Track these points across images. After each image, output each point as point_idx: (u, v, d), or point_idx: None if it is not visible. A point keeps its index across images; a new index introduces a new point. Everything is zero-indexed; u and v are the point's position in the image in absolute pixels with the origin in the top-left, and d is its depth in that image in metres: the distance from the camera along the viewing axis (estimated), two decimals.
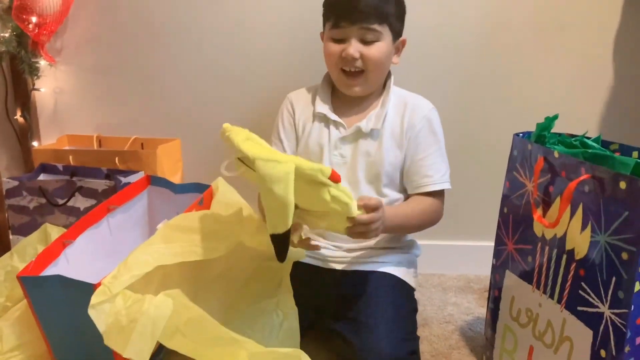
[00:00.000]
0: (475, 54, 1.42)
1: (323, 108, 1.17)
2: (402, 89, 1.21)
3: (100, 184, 1.22)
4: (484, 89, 1.44)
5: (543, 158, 0.91)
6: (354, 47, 1.09)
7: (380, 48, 1.11)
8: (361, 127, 1.14)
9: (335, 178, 0.84)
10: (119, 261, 0.94)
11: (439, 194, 1.15)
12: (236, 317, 1.00)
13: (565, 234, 0.86)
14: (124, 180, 1.24)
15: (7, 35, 1.39)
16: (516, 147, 1.01)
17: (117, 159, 1.32)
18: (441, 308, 1.36)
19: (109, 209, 1.12)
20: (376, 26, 1.09)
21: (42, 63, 1.46)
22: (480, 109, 1.45)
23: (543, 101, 1.43)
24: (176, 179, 1.39)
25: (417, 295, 1.20)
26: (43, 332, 0.95)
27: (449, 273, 1.54)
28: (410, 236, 1.24)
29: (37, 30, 1.40)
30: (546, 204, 0.91)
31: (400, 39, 1.17)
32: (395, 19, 1.13)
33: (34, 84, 1.48)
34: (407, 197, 1.18)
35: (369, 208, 0.92)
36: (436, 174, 1.14)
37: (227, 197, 1.15)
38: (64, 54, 1.50)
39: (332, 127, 1.17)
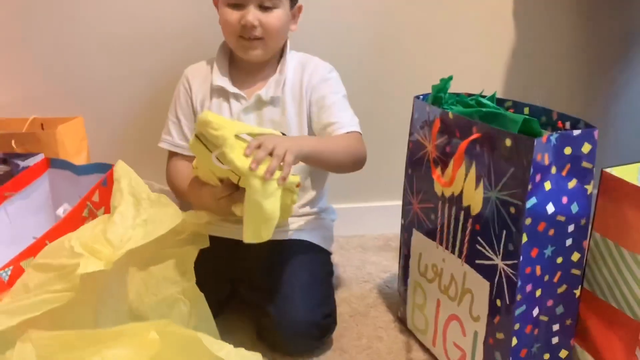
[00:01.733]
0: (376, 16, 1.42)
1: (221, 81, 1.14)
2: (299, 52, 1.20)
3: None
4: (385, 51, 1.45)
5: (439, 119, 0.93)
6: (253, 15, 1.07)
7: (279, 15, 1.09)
8: (261, 95, 1.13)
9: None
10: (20, 248, 0.90)
11: (350, 134, 1.11)
12: (144, 314, 0.96)
13: (461, 192, 0.89)
14: (21, 164, 1.17)
15: None
16: (416, 110, 1.03)
17: (13, 141, 1.24)
18: (360, 268, 1.39)
19: (5, 195, 1.06)
20: None
21: None
22: (382, 72, 1.46)
23: (443, 62, 1.45)
24: (81, 159, 1.33)
25: (338, 258, 1.22)
26: None
27: (369, 233, 1.57)
28: (325, 202, 1.25)
29: None
30: (444, 164, 0.94)
31: (297, 5, 1.15)
32: None
33: None
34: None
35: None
36: (342, 119, 1.11)
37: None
38: None
39: (232, 100, 1.15)
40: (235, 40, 1.11)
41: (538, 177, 0.77)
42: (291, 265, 1.08)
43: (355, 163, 1.11)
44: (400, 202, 1.38)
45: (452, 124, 0.90)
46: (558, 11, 1.46)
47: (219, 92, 1.15)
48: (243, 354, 0.82)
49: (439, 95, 0.99)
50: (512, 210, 0.79)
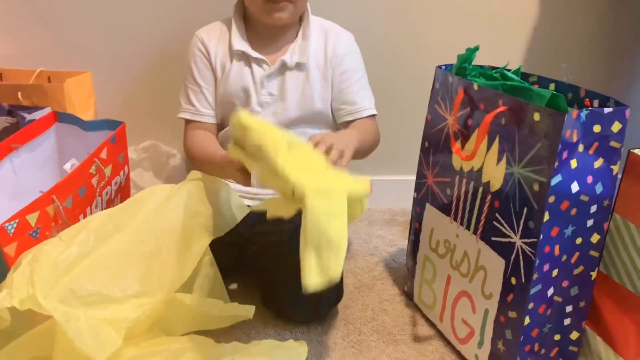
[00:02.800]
0: None
1: (242, 45, 1.10)
2: (318, 17, 1.16)
3: (1, 121, 1.12)
4: (407, 18, 1.41)
5: (463, 90, 0.90)
6: None
7: None
8: (286, 60, 1.10)
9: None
10: (24, 202, 0.87)
11: (371, 120, 1.14)
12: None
13: (482, 167, 0.87)
14: (28, 117, 1.14)
15: None
16: (438, 80, 1.00)
17: (19, 93, 1.21)
18: (366, 241, 1.38)
19: (11, 147, 1.03)
20: None
21: None
22: (403, 40, 1.42)
23: (467, 32, 1.41)
24: (88, 116, 1.30)
25: None
26: None
27: (376, 207, 1.55)
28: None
29: None
30: (465, 137, 0.91)
31: None
32: None
33: None
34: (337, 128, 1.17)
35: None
36: (363, 100, 1.13)
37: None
38: None
39: (254, 65, 1.11)
40: (263, 3, 1.04)
41: (565, 155, 0.74)
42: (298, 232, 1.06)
43: (375, 146, 1.15)
44: (407, 177, 1.37)
45: (477, 96, 0.87)
46: None
47: (240, 56, 1.11)
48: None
49: (463, 65, 0.95)
50: (536, 187, 0.76)
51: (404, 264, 1.23)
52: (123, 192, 1.13)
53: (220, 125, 1.17)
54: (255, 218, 1.11)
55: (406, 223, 1.47)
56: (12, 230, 0.83)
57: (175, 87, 1.19)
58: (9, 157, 1.03)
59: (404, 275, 1.17)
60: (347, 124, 1.13)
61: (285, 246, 1.04)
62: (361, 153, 1.06)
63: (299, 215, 1.06)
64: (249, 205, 1.12)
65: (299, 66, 1.11)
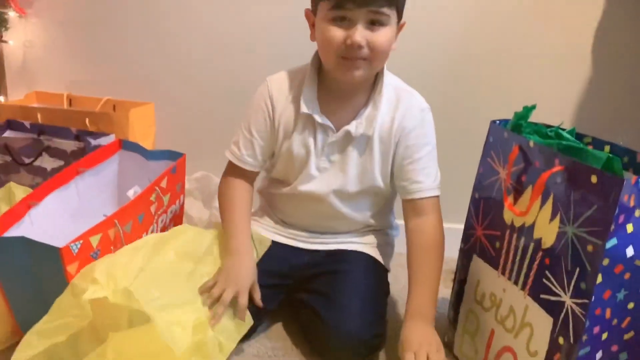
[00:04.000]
0: (456, 40, 1.42)
1: (309, 108, 1.05)
2: (396, 78, 1.12)
3: (69, 145, 1.18)
4: (462, 73, 1.44)
5: (518, 146, 0.92)
6: (361, 34, 0.95)
7: (387, 34, 0.98)
8: (350, 131, 1.05)
9: None
10: (85, 224, 0.92)
11: (431, 205, 1.08)
12: None
13: (534, 223, 0.87)
14: (93, 142, 1.21)
15: None
16: (492, 134, 1.02)
17: (87, 119, 1.29)
18: (406, 287, 1.36)
19: (78, 171, 1.09)
20: (385, 9, 0.96)
21: (12, 14, 1.40)
22: (459, 93, 1.46)
23: (520, 90, 1.44)
24: (148, 144, 1.37)
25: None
26: (4, 294, 0.93)
27: None
28: (390, 217, 1.24)
29: None
30: (517, 192, 0.92)
31: (402, 21, 1.04)
32: (401, 2, 1.01)
33: (1, 36, 1.43)
34: (391, 198, 1.18)
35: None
36: (426, 179, 1.08)
37: None
38: (35, 5, 1.44)
39: (318, 130, 1.07)
40: (336, 59, 0.99)
41: (621, 219, 0.74)
42: (351, 276, 1.07)
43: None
44: (450, 225, 1.37)
45: (532, 153, 0.89)
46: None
47: (306, 121, 1.08)
48: None
49: (519, 122, 0.97)
50: (590, 248, 0.76)
51: (445, 313, 1.22)
52: (176, 220, 1.17)
53: (277, 172, 1.16)
54: (306, 259, 1.14)
55: (447, 272, 1.46)
56: (76, 250, 0.87)
57: (230, 123, 1.22)
58: (75, 179, 1.08)
59: (445, 325, 1.17)
60: (407, 204, 1.10)
61: (334, 287, 1.06)
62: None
63: (343, 260, 1.09)
64: (297, 247, 1.15)
65: (363, 137, 1.06)
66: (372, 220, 1.17)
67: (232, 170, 1.13)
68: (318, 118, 1.06)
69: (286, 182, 1.13)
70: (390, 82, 1.09)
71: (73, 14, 1.44)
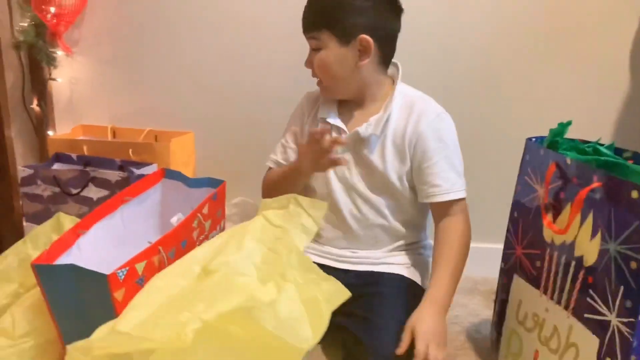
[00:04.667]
0: (489, 55, 1.42)
1: (326, 112, 1.16)
2: (412, 89, 1.17)
3: (114, 175, 1.23)
4: (497, 91, 1.44)
5: (555, 164, 0.91)
6: (308, 57, 1.11)
7: (323, 55, 1.08)
8: (359, 131, 1.10)
9: None
10: (129, 251, 0.95)
11: (457, 206, 1.09)
12: None
13: (574, 241, 0.86)
14: (136, 172, 1.25)
15: (25, 25, 1.41)
16: (529, 152, 1.02)
17: (130, 150, 1.34)
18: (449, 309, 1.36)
19: (123, 200, 1.13)
20: (314, 33, 1.08)
21: (59, 53, 1.48)
22: (494, 111, 1.45)
23: (556, 105, 1.43)
24: (188, 172, 1.41)
25: None
26: (54, 319, 0.96)
27: None
28: (425, 237, 1.24)
29: (55, 21, 1.42)
30: (556, 210, 0.91)
31: (359, 38, 1.05)
32: (335, 22, 1.05)
33: (50, 74, 1.50)
34: (418, 207, 1.18)
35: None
36: (445, 182, 1.08)
37: None
38: (81, 44, 1.51)
39: (333, 133, 1.13)
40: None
41: None
42: (389, 298, 1.07)
43: (469, 247, 1.11)
44: (489, 245, 1.35)
45: (569, 170, 0.88)
46: None
47: (323, 122, 1.17)
48: None
49: (555, 139, 0.96)
50: (634, 265, 0.75)
51: (487, 335, 1.21)
52: None
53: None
54: (342, 278, 1.14)
55: (488, 293, 1.45)
56: (123, 277, 0.90)
57: (266, 149, 1.27)
58: (120, 208, 1.12)
59: (488, 347, 1.15)
60: (432, 206, 1.12)
61: (372, 310, 1.06)
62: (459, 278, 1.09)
63: (378, 283, 1.09)
64: (335, 268, 1.16)
65: (375, 140, 1.11)
66: (400, 231, 1.16)
67: (268, 172, 1.25)
68: (331, 120, 1.14)
69: (310, 189, 1.19)
70: (403, 90, 1.14)
71: (114, 52, 1.50)
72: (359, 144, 1.12)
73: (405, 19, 1.14)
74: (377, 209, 1.15)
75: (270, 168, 1.24)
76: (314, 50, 1.10)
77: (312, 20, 1.08)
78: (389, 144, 1.11)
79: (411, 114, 1.10)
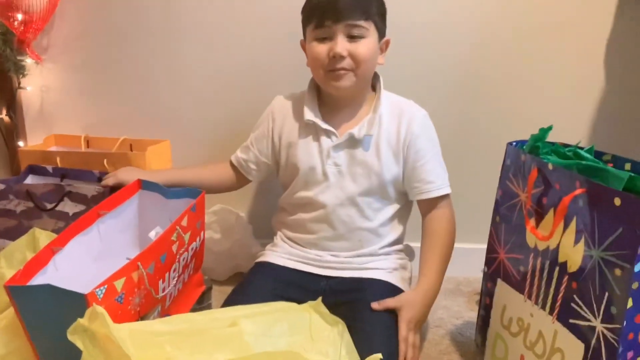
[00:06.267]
0: (468, 60, 1.42)
1: (312, 116, 1.15)
2: (393, 93, 1.20)
3: (90, 190, 1.19)
4: (476, 94, 1.44)
5: (537, 169, 0.91)
6: (341, 45, 1.06)
7: (367, 44, 1.08)
8: (354, 133, 1.12)
9: None
10: (107, 266, 0.93)
11: (444, 201, 1.17)
12: None
13: (558, 246, 0.86)
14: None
15: None
16: (509, 156, 1.02)
17: (105, 160, 1.30)
18: (431, 312, 1.36)
19: (99, 214, 1.10)
20: (362, 22, 1.07)
21: (28, 61, 1.43)
22: (474, 115, 1.45)
23: (535, 108, 1.43)
24: None
25: None
26: (31, 340, 0.93)
27: None
28: (405, 241, 1.24)
29: (22, 28, 1.37)
30: (539, 215, 0.91)
31: (385, 39, 1.15)
32: (378, 18, 1.11)
33: (19, 83, 1.46)
34: (402, 205, 1.19)
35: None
36: (437, 179, 1.15)
37: None
38: (50, 51, 1.47)
39: (322, 137, 1.15)
40: (324, 73, 1.10)
41: None
42: (372, 303, 1.07)
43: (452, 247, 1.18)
44: (471, 245, 1.36)
45: (552, 176, 0.88)
46: None
47: (309, 128, 1.16)
48: None
49: (536, 144, 0.97)
50: (618, 272, 0.75)
51: (472, 338, 1.21)
52: (197, 257, 1.18)
53: (283, 188, 1.25)
54: (322, 285, 1.14)
55: (471, 294, 1.45)
56: (102, 295, 0.88)
57: None
58: (96, 222, 1.09)
59: (473, 350, 1.15)
60: (422, 203, 1.17)
61: (357, 317, 1.05)
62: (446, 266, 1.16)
63: (362, 289, 1.09)
64: (317, 275, 1.15)
65: (367, 140, 1.13)
66: (384, 232, 1.18)
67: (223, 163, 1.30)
68: (321, 124, 1.14)
69: (296, 193, 1.19)
70: (388, 96, 1.18)
71: (86, 58, 1.46)
72: (352, 146, 1.14)
73: (390, 21, 1.15)
74: (365, 212, 1.16)
75: (230, 161, 1.28)
76: (351, 37, 1.07)
77: (364, 9, 1.07)
78: (383, 145, 1.13)
79: (402, 115, 1.15)
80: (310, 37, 1.11)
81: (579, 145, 0.98)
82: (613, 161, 0.95)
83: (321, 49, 1.09)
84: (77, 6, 1.43)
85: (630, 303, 0.74)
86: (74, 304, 0.86)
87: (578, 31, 1.40)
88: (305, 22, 1.13)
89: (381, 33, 1.13)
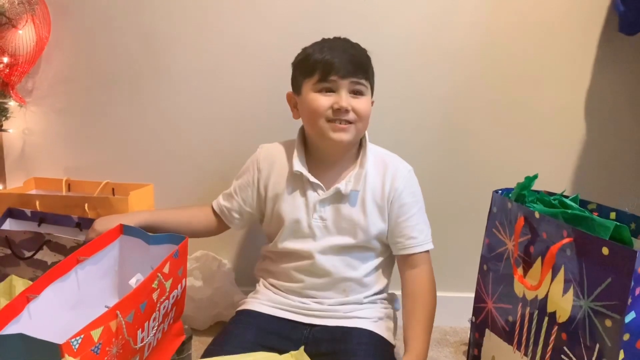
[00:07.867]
0: (452, 110, 1.43)
1: (300, 167, 1.14)
2: (377, 146, 1.20)
3: (69, 241, 1.17)
4: (460, 145, 1.45)
5: (524, 218, 0.91)
6: (346, 100, 1.08)
7: (367, 101, 1.11)
8: (340, 188, 1.12)
9: None
10: (84, 315, 0.89)
11: (425, 257, 1.15)
12: None
13: (546, 296, 0.86)
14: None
15: None
16: (495, 204, 1.02)
17: (86, 205, 1.28)
18: None
19: (78, 259, 1.07)
20: (363, 81, 1.10)
21: (12, 104, 1.42)
22: (458, 164, 1.46)
23: (520, 157, 1.44)
24: None
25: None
26: None
27: None
28: (390, 290, 1.23)
29: (7, 71, 1.36)
30: (527, 264, 0.91)
31: (372, 98, 1.17)
32: (372, 79, 1.15)
33: (1, 125, 1.43)
34: (387, 256, 1.19)
35: None
36: (420, 234, 1.14)
37: None
38: (35, 94, 1.46)
39: (309, 190, 1.14)
40: (325, 123, 1.10)
41: (638, 291, 0.73)
42: (357, 355, 1.04)
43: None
44: (458, 294, 1.35)
45: (538, 225, 0.88)
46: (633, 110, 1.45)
47: (296, 180, 1.15)
48: None
49: (522, 192, 0.97)
50: (608, 323, 0.74)
51: None
52: (178, 305, 1.14)
53: (268, 237, 1.23)
54: (305, 333, 1.11)
55: (458, 344, 1.42)
56: (77, 346, 0.84)
57: None
58: (74, 269, 1.06)
59: None
60: (402, 258, 1.16)
61: None
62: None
63: (346, 340, 1.06)
64: (301, 322, 1.12)
65: (355, 195, 1.13)
66: (369, 282, 1.16)
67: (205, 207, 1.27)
68: (309, 177, 1.13)
69: (281, 243, 1.17)
70: (373, 150, 1.18)
71: (70, 102, 1.45)
72: (338, 200, 1.13)
73: (376, 67, 1.17)
74: (350, 262, 1.14)
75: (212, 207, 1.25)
76: (354, 94, 1.10)
77: (364, 68, 1.11)
78: (369, 200, 1.13)
79: (386, 170, 1.15)
80: (310, 89, 1.11)
81: (564, 193, 0.99)
82: (598, 210, 0.96)
83: (324, 101, 1.09)
84: (63, 50, 1.43)
85: (621, 355, 0.73)
86: (47, 354, 0.83)
87: (559, 82, 1.43)
88: (305, 75, 1.12)
89: (372, 92, 1.16)
